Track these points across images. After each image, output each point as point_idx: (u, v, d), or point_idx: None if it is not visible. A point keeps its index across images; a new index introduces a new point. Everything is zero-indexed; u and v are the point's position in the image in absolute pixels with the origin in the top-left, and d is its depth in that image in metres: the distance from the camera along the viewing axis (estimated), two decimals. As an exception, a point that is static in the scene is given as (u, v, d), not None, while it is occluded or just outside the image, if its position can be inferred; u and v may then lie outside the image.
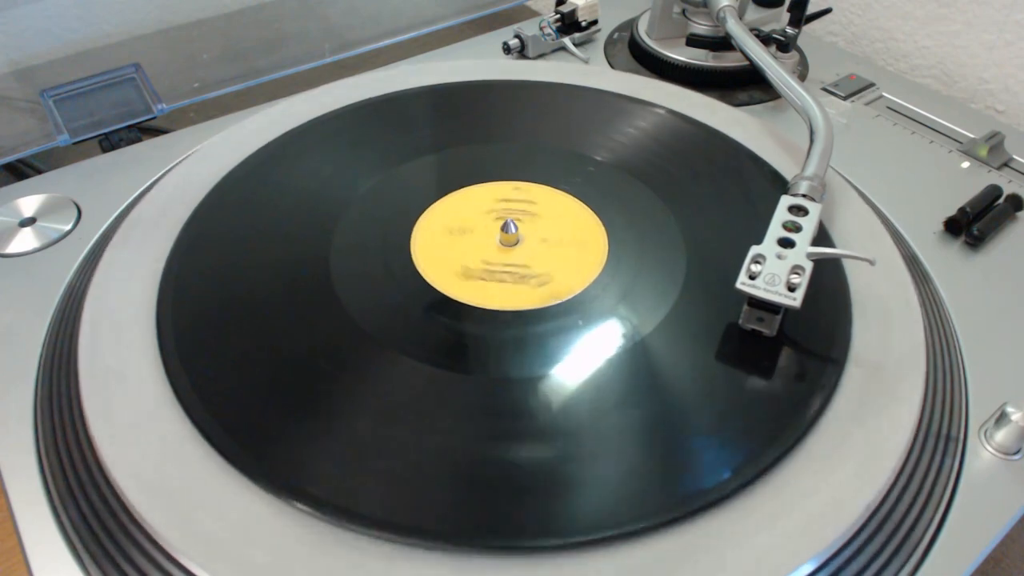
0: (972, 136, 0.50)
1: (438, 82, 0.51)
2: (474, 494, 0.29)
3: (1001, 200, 0.45)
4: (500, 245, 0.39)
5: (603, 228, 0.40)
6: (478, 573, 0.27)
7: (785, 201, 0.37)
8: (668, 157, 0.45)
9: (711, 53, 0.54)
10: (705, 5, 0.53)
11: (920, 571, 0.29)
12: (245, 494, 0.29)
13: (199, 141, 0.47)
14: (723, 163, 0.45)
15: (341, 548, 0.27)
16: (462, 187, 0.43)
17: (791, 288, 0.33)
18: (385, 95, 0.50)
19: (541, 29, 0.58)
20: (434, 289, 0.37)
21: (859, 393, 0.32)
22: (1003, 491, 0.31)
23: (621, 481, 0.29)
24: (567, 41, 0.59)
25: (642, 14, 0.60)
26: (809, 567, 0.27)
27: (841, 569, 0.28)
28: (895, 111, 0.53)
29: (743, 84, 0.54)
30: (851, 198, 0.42)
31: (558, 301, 0.36)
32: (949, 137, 0.51)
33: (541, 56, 0.58)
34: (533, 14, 0.75)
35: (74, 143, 0.49)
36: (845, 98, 0.54)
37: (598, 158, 0.45)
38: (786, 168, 0.44)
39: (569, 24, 0.59)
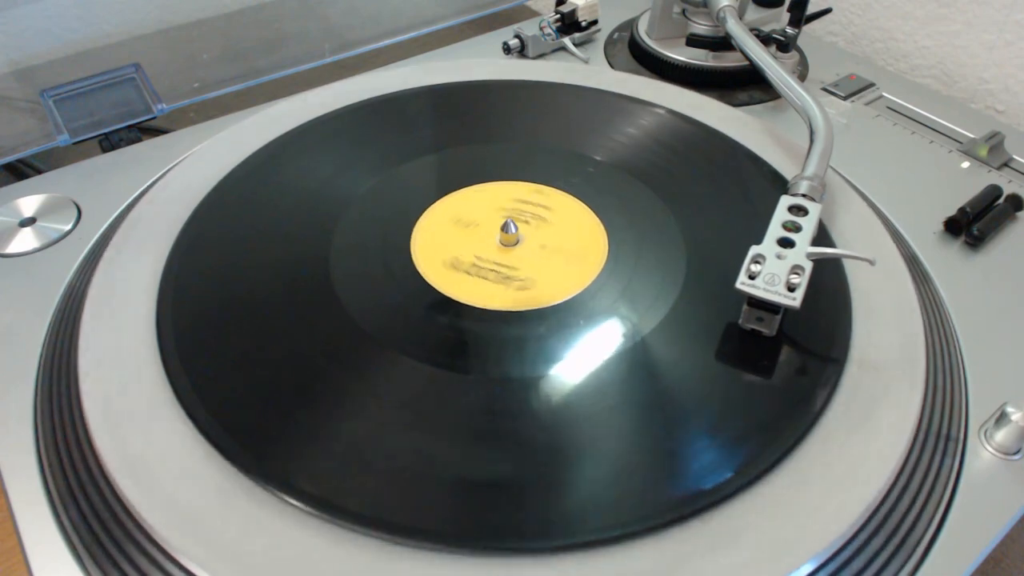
0: (972, 136, 0.50)
1: (438, 82, 0.51)
2: (475, 494, 0.29)
3: (1001, 200, 0.45)
4: (500, 244, 0.39)
5: (604, 232, 0.40)
6: (478, 574, 0.27)
7: (785, 201, 0.37)
8: (668, 157, 0.45)
9: (711, 53, 0.54)
10: (705, 5, 0.53)
11: (920, 571, 0.29)
12: (245, 494, 0.29)
13: (199, 141, 0.47)
14: (723, 163, 0.45)
15: (341, 548, 0.27)
16: (462, 187, 0.43)
17: (791, 288, 0.33)
18: (385, 95, 0.50)
19: (541, 29, 0.58)
20: (434, 289, 0.37)
21: (859, 393, 0.32)
22: (1003, 491, 0.31)
23: (621, 482, 0.29)
24: (567, 41, 0.59)
25: (642, 14, 0.60)
26: (809, 567, 0.27)
27: (841, 569, 0.28)
28: (895, 111, 0.53)
29: (743, 84, 0.54)
30: (851, 198, 0.42)
31: (530, 308, 0.36)
32: (949, 137, 0.51)
33: (541, 56, 0.58)
34: (533, 14, 0.75)
35: (74, 143, 0.49)
36: (845, 98, 0.54)
37: (598, 158, 0.45)
38: (786, 168, 0.44)
39: (569, 24, 0.59)
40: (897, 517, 0.29)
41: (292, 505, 0.28)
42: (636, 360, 0.34)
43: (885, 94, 0.55)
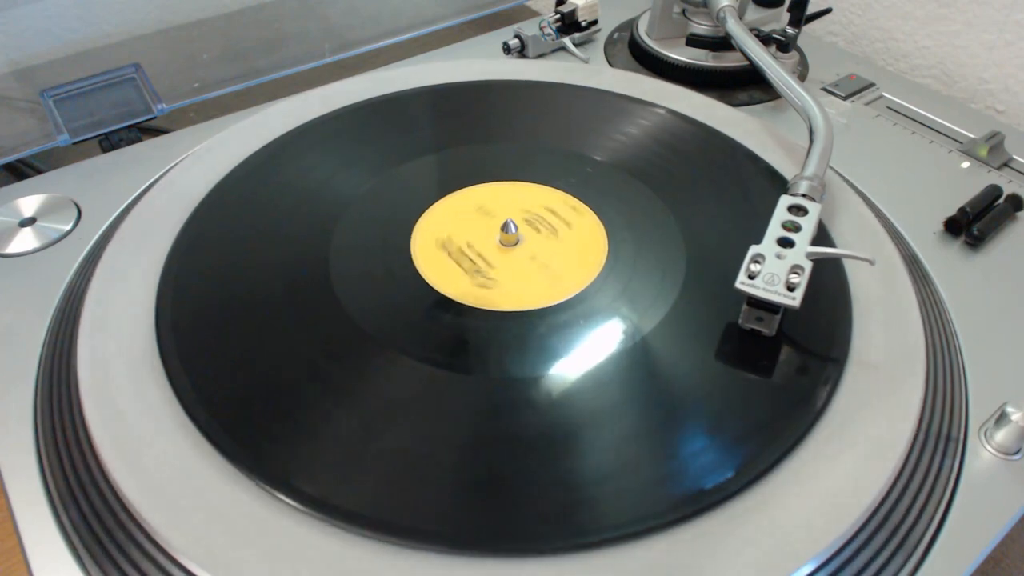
0: (972, 136, 0.50)
1: (438, 82, 0.51)
2: (475, 495, 0.29)
3: (1001, 200, 0.45)
4: (499, 242, 0.39)
5: (604, 232, 0.40)
6: (478, 574, 0.27)
7: (785, 201, 0.37)
8: (668, 157, 0.45)
9: (711, 53, 0.54)
10: (705, 5, 0.53)
11: (920, 571, 0.29)
12: (245, 494, 0.29)
13: (199, 141, 0.47)
14: (723, 163, 0.45)
15: (341, 548, 0.27)
16: (462, 187, 0.43)
17: (790, 288, 0.33)
18: (385, 95, 0.50)
19: (541, 29, 0.58)
20: (434, 290, 0.37)
21: (859, 393, 0.32)
22: (1003, 491, 0.31)
23: (620, 483, 0.29)
24: (567, 41, 0.59)
25: (642, 14, 0.60)
26: (809, 567, 0.27)
27: (841, 569, 0.28)
28: (895, 111, 0.53)
29: (743, 84, 0.54)
30: (851, 198, 0.42)
31: (477, 306, 0.36)
32: (949, 137, 0.51)
33: (541, 56, 0.58)
34: (533, 14, 0.75)
35: (74, 143, 0.49)
36: (845, 98, 0.54)
37: (598, 158, 0.45)
38: (786, 168, 0.44)
39: (569, 24, 0.59)
40: (897, 517, 0.29)
41: (292, 505, 0.28)
42: (636, 360, 0.34)
43: (885, 94, 0.55)
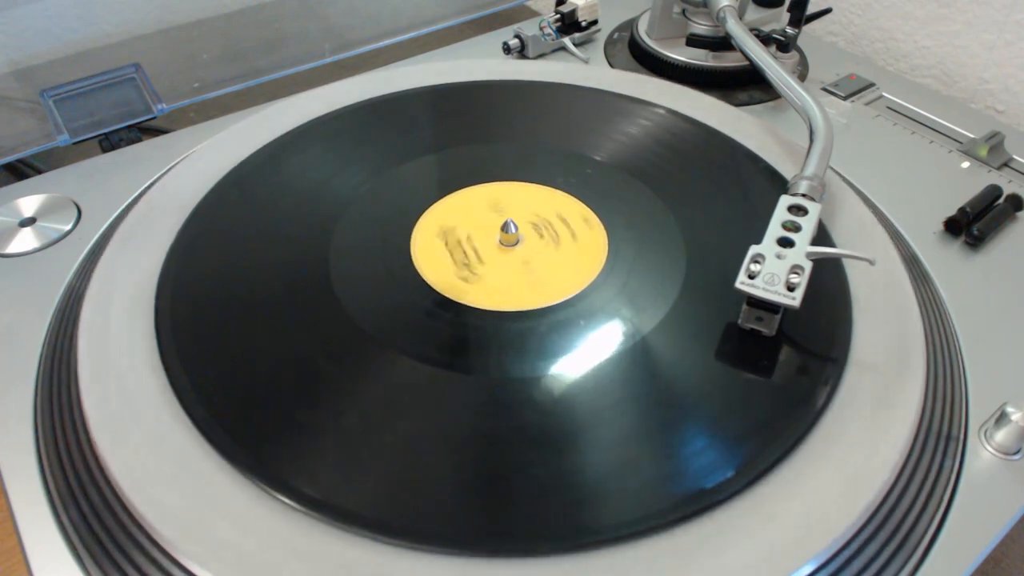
0: (972, 136, 0.50)
1: (438, 82, 0.51)
2: (475, 495, 0.29)
3: (1001, 200, 0.45)
4: (499, 241, 0.39)
5: (604, 232, 0.40)
6: (478, 574, 0.27)
7: (784, 201, 0.37)
8: (668, 157, 0.45)
9: (711, 53, 0.54)
10: (705, 5, 0.53)
11: (920, 571, 0.29)
12: (245, 494, 0.29)
13: (199, 141, 0.47)
14: (723, 163, 0.45)
15: (340, 548, 0.27)
16: (462, 187, 0.43)
17: (790, 288, 0.33)
18: (385, 95, 0.50)
19: (541, 29, 0.58)
20: (434, 290, 0.37)
21: (859, 393, 0.32)
22: (1003, 491, 0.31)
23: (620, 483, 0.29)
24: (567, 41, 0.59)
25: (642, 14, 0.60)
26: (809, 567, 0.27)
27: (841, 569, 0.28)
28: (895, 111, 0.53)
29: (743, 84, 0.54)
30: (851, 198, 0.42)
31: (449, 297, 0.36)
32: (949, 137, 0.51)
33: (541, 56, 0.58)
34: (533, 14, 0.75)
35: (74, 143, 0.49)
36: (845, 98, 0.54)
37: (597, 158, 0.45)
38: (786, 168, 0.44)
39: (569, 24, 0.59)
40: (897, 517, 0.29)
41: (291, 506, 0.28)
42: (636, 360, 0.34)
43: (885, 94, 0.55)
